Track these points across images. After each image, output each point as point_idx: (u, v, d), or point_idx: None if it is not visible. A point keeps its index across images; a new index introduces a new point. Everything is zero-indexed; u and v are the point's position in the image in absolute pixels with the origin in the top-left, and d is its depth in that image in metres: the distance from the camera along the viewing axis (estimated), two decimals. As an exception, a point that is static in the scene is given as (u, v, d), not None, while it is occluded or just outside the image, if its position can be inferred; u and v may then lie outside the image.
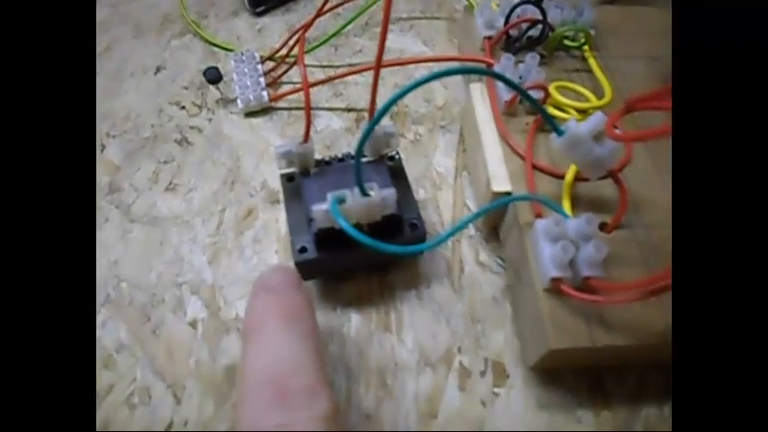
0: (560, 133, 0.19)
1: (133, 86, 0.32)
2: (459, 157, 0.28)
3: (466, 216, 0.24)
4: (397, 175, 0.22)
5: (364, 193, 0.19)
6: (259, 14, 0.36)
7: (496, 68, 0.24)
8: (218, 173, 0.27)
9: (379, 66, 0.18)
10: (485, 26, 0.27)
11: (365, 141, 0.17)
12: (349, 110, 0.30)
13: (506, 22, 0.26)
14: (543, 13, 0.25)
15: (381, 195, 0.19)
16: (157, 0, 0.38)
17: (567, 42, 0.27)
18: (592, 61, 0.26)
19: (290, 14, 0.36)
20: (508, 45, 0.27)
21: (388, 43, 0.34)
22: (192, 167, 0.27)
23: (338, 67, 0.32)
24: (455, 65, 0.28)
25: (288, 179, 0.22)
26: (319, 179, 0.21)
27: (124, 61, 0.33)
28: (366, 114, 0.29)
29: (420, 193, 0.26)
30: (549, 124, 0.20)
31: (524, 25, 0.26)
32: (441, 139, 0.28)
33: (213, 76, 0.29)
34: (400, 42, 0.34)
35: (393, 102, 0.16)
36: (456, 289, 0.23)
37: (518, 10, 0.26)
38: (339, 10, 0.34)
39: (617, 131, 0.17)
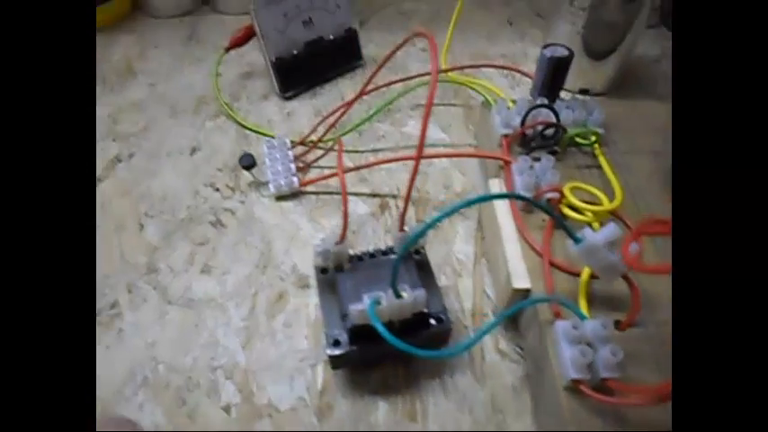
0: (577, 241, 0.21)
1: (170, 166, 0.34)
2: (478, 244, 0.29)
3: (490, 322, 0.26)
4: (422, 268, 0.24)
5: (398, 295, 0.20)
6: (288, 98, 0.39)
7: (514, 168, 0.26)
8: (251, 256, 0.29)
9: (419, 156, 0.21)
10: (502, 124, 0.29)
11: (401, 259, 0.19)
12: (374, 195, 0.32)
13: (523, 123, 0.28)
14: (557, 115, 0.28)
15: (413, 296, 0.20)
16: (192, 82, 0.41)
17: (578, 140, 0.29)
18: (602, 159, 0.28)
19: (317, 99, 0.39)
20: (524, 143, 0.29)
21: (408, 129, 0.36)
22: (225, 250, 0.29)
23: (362, 152, 0.35)
24: (474, 160, 0.30)
25: (321, 271, 0.24)
26: (353, 275, 0.23)
27: (161, 141, 0.36)
28: (390, 200, 0.31)
29: (441, 280, 0.28)
30: (565, 231, 0.21)
31: (539, 126, 0.28)
32: (460, 225, 0.30)
33: (248, 163, 0.31)
34: (419, 128, 0.36)
35: (433, 224, 0.18)
36: (478, 378, 0.24)
37: (533, 111, 0.28)
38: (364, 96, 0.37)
39: (632, 253, 0.18)
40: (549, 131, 0.28)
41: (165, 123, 0.37)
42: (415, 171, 0.21)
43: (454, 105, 0.38)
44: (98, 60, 0.44)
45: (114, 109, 0.39)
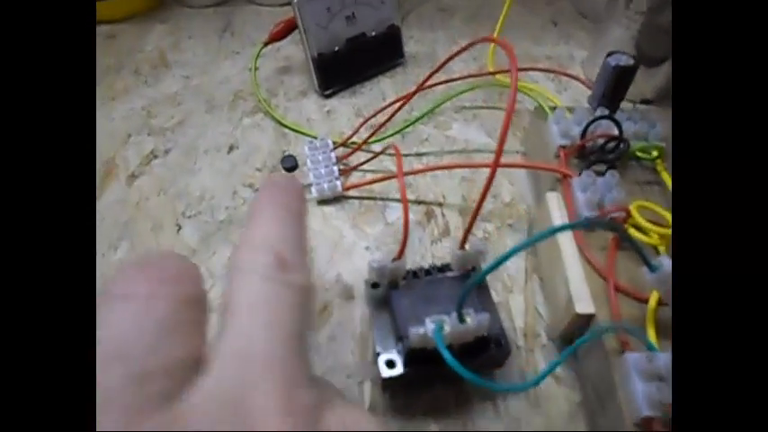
0: (653, 269, 0.20)
1: (207, 164, 0.33)
2: (529, 258, 0.28)
3: (552, 361, 0.24)
4: (480, 286, 0.23)
5: (462, 320, 0.19)
6: (327, 96, 0.38)
7: (575, 184, 0.25)
8: (293, 263, 0.28)
9: (496, 165, 0.19)
10: (560, 134, 0.27)
11: (470, 290, 0.18)
12: (419, 202, 0.31)
13: (583, 134, 0.27)
14: (620, 128, 0.26)
15: (477, 320, 0.19)
16: (228, 76, 0.40)
17: (640, 154, 0.27)
18: (664, 175, 0.27)
19: (357, 98, 0.38)
20: (582, 155, 0.27)
21: (452, 132, 0.35)
22: (266, 255, 0.28)
23: (406, 155, 0.33)
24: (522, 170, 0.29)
25: (372, 286, 0.23)
26: (409, 294, 0.22)
27: (198, 137, 0.35)
28: (436, 209, 0.30)
29: (492, 295, 0.26)
30: (641, 258, 0.20)
31: (600, 139, 0.27)
32: (509, 238, 0.29)
33: (290, 165, 0.30)
34: (465, 132, 0.35)
35: (510, 256, 0.17)
36: (532, 402, 0.23)
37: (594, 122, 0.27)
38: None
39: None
40: (611, 145, 0.27)
41: (202, 119, 0.36)
42: (491, 180, 0.20)
43: (500, 109, 0.37)
44: (131, 50, 0.43)
45: (149, 101, 0.38)
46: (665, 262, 0.19)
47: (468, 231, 0.21)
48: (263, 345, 0.13)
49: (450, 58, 0.26)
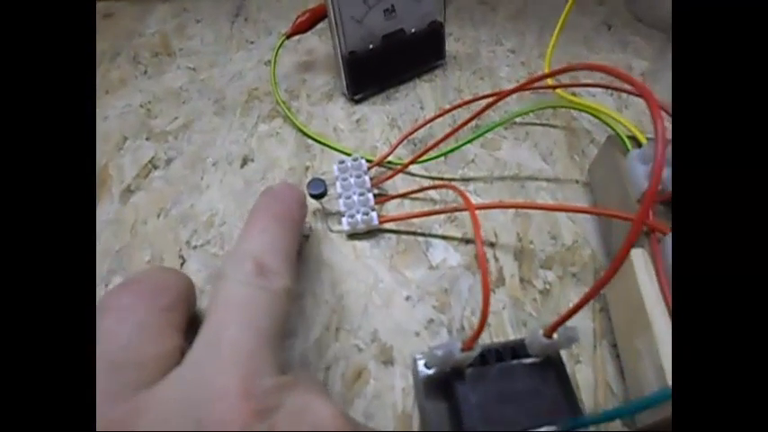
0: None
1: (217, 180, 0.28)
2: (598, 319, 0.24)
3: None
4: (559, 375, 0.19)
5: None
6: (357, 101, 0.33)
7: (668, 244, 0.21)
8: (320, 314, 0.23)
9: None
10: (646, 178, 0.23)
11: None
12: (466, 241, 0.26)
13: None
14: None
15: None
16: (242, 70, 0.35)
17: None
18: None
19: (391, 104, 0.33)
20: (666, 203, 0.23)
21: (502, 153, 0.30)
22: (288, 301, 0.23)
23: (450, 179, 0.29)
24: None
25: (426, 365, 0.18)
26: (479, 388, 0.17)
27: (205, 144, 0.30)
28: (487, 250, 0.26)
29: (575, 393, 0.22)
30: None
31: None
32: (573, 291, 0.25)
33: (319, 192, 0.25)
34: (516, 154, 0.30)
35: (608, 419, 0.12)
36: None
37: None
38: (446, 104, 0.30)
39: None
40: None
41: (210, 122, 0.31)
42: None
43: (555, 127, 0.32)
44: (130, 33, 0.37)
45: (149, 97, 0.32)
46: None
47: (564, 319, 0.16)
48: (232, 337, 0.15)
49: (525, 87, 0.21)
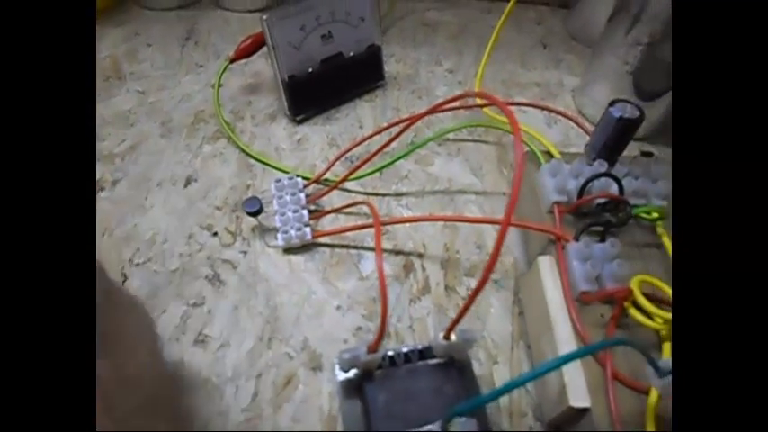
0: (662, 374, 0.17)
1: (161, 200, 0.29)
2: (516, 321, 0.26)
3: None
4: (464, 372, 0.20)
5: (445, 432, 0.17)
6: (298, 122, 0.34)
7: (571, 252, 0.23)
8: (254, 325, 0.25)
9: (507, 223, 0.17)
10: (555, 190, 0.25)
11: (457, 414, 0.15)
12: (396, 252, 0.28)
13: (581, 193, 0.24)
14: (621, 188, 0.24)
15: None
16: (189, 93, 0.36)
17: (640, 214, 0.25)
18: (665, 239, 0.25)
19: (332, 124, 0.34)
20: (579, 212, 0.25)
21: (435, 169, 0.32)
22: (223, 315, 0.25)
23: (383, 195, 0.30)
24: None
25: (343, 369, 0.20)
26: (386, 387, 0.19)
27: (151, 166, 0.31)
28: (415, 260, 0.27)
29: (474, 366, 0.24)
30: (649, 364, 0.18)
31: (599, 198, 0.24)
32: (494, 297, 0.26)
33: (255, 210, 0.26)
34: (448, 169, 0.32)
35: (509, 389, 0.14)
36: (517, 499, 0.21)
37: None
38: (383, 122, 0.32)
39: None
40: (610, 205, 0.24)
41: (157, 144, 0.32)
42: (501, 240, 0.17)
43: (485, 143, 0.34)
44: (80, 57, 0.38)
45: (98, 121, 0.34)
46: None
47: (455, 322, 0.18)
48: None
49: (437, 109, 0.23)
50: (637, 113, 0.24)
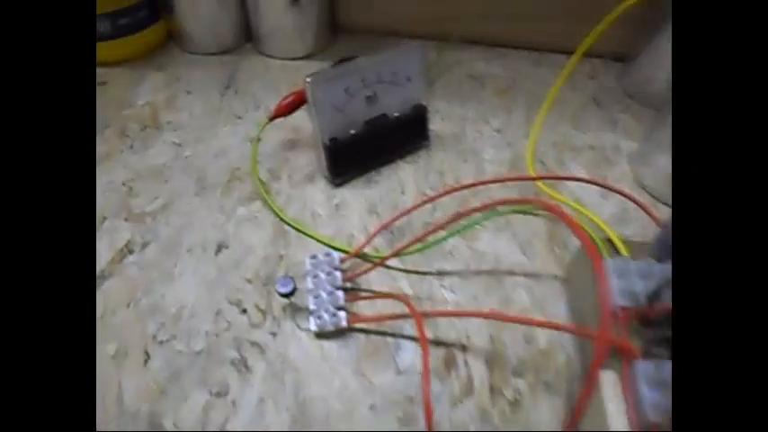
0: None
1: (190, 269, 0.28)
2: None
3: None
4: None
5: None
6: (338, 185, 0.33)
7: (640, 372, 0.20)
8: (281, 422, 0.23)
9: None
10: (620, 292, 0.22)
11: None
12: (437, 343, 0.25)
13: (651, 300, 0.22)
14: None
15: None
16: (226, 147, 0.35)
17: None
18: (747, 355, 0.22)
19: (372, 188, 0.33)
20: (647, 320, 0.22)
21: (481, 245, 0.30)
22: (249, 407, 0.23)
23: (424, 274, 0.28)
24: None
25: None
26: None
27: (183, 227, 0.30)
28: (458, 354, 0.25)
29: (521, 490, 0.21)
30: None
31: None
32: (544, 403, 0.24)
33: (288, 291, 0.24)
34: (495, 246, 0.30)
35: None
36: None
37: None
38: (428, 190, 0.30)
39: None
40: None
41: (190, 203, 0.31)
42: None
43: (536, 215, 0.32)
44: (121, 103, 0.38)
45: (132, 175, 0.33)
46: None
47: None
48: None
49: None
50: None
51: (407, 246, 0.27)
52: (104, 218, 0.30)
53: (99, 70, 0.41)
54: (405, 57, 0.31)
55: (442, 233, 0.28)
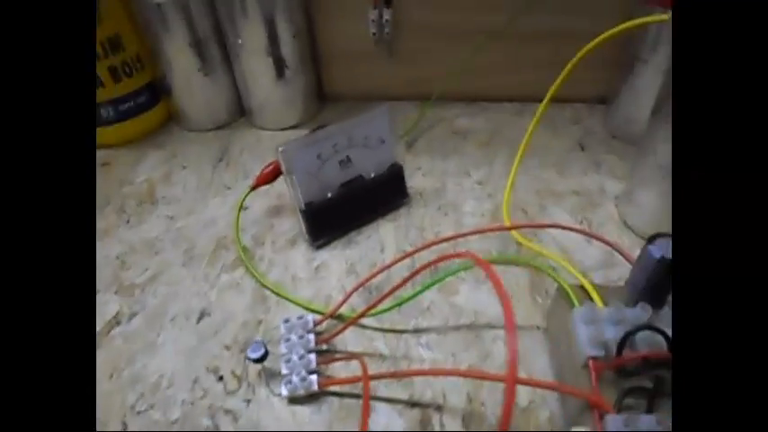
0: None
1: (172, 338, 0.28)
2: (551, 500, 0.22)
3: None
4: None
5: None
6: (318, 247, 0.33)
7: (610, 424, 0.19)
8: (249, 495, 0.22)
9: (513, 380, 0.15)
10: (589, 342, 0.22)
11: None
12: (412, 404, 0.25)
13: (620, 349, 0.21)
14: (669, 342, 0.20)
15: None
16: (215, 217, 0.36)
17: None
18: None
19: (352, 249, 0.33)
20: (621, 370, 0.21)
21: (459, 299, 0.30)
22: (218, 480, 0.23)
23: (401, 332, 0.28)
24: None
25: None
26: None
27: (169, 298, 0.31)
28: (434, 414, 0.24)
29: None
30: None
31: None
32: (526, 464, 0.23)
33: (259, 356, 0.25)
34: (474, 299, 0.29)
35: None
36: None
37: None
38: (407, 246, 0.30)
39: None
40: (657, 366, 0.21)
41: (177, 273, 0.32)
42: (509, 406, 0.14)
43: (515, 264, 0.31)
44: (122, 182, 0.40)
45: (125, 249, 0.34)
46: None
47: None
48: None
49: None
50: (679, 255, 0.21)
51: (379, 301, 0.27)
52: (97, 291, 0.32)
53: (104, 152, 0.44)
54: (374, 120, 0.32)
55: (420, 283, 0.28)
